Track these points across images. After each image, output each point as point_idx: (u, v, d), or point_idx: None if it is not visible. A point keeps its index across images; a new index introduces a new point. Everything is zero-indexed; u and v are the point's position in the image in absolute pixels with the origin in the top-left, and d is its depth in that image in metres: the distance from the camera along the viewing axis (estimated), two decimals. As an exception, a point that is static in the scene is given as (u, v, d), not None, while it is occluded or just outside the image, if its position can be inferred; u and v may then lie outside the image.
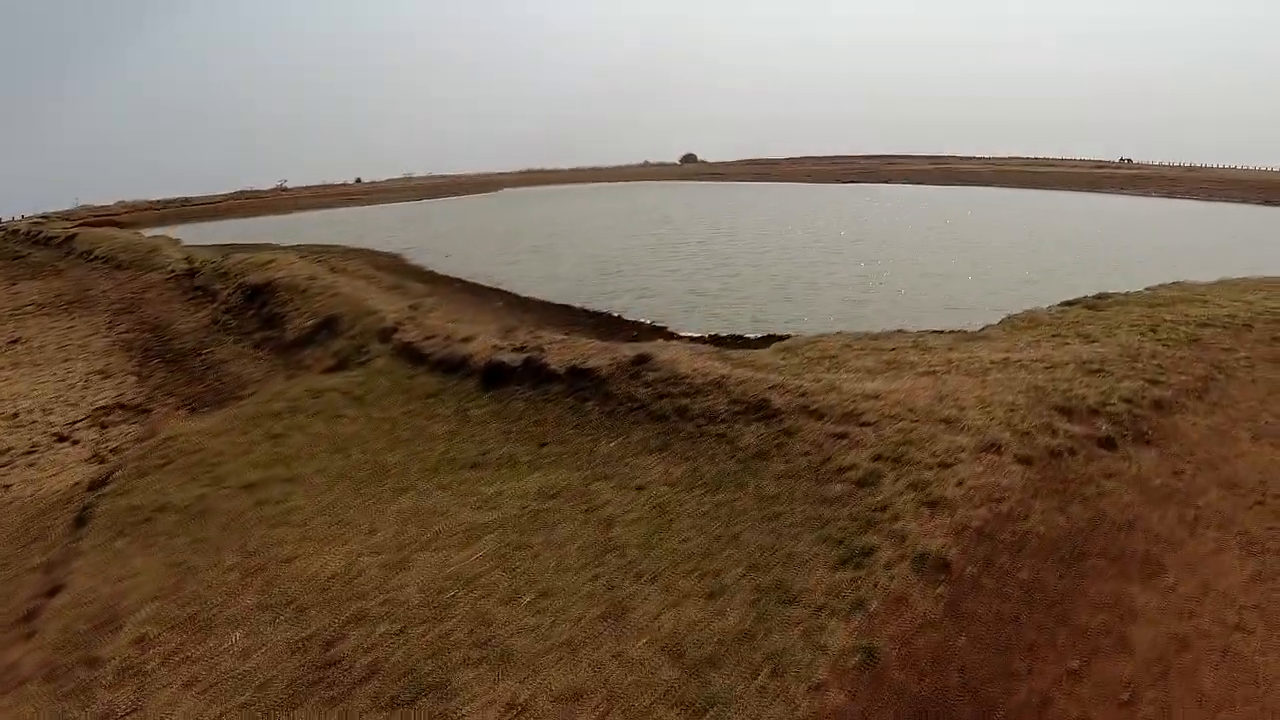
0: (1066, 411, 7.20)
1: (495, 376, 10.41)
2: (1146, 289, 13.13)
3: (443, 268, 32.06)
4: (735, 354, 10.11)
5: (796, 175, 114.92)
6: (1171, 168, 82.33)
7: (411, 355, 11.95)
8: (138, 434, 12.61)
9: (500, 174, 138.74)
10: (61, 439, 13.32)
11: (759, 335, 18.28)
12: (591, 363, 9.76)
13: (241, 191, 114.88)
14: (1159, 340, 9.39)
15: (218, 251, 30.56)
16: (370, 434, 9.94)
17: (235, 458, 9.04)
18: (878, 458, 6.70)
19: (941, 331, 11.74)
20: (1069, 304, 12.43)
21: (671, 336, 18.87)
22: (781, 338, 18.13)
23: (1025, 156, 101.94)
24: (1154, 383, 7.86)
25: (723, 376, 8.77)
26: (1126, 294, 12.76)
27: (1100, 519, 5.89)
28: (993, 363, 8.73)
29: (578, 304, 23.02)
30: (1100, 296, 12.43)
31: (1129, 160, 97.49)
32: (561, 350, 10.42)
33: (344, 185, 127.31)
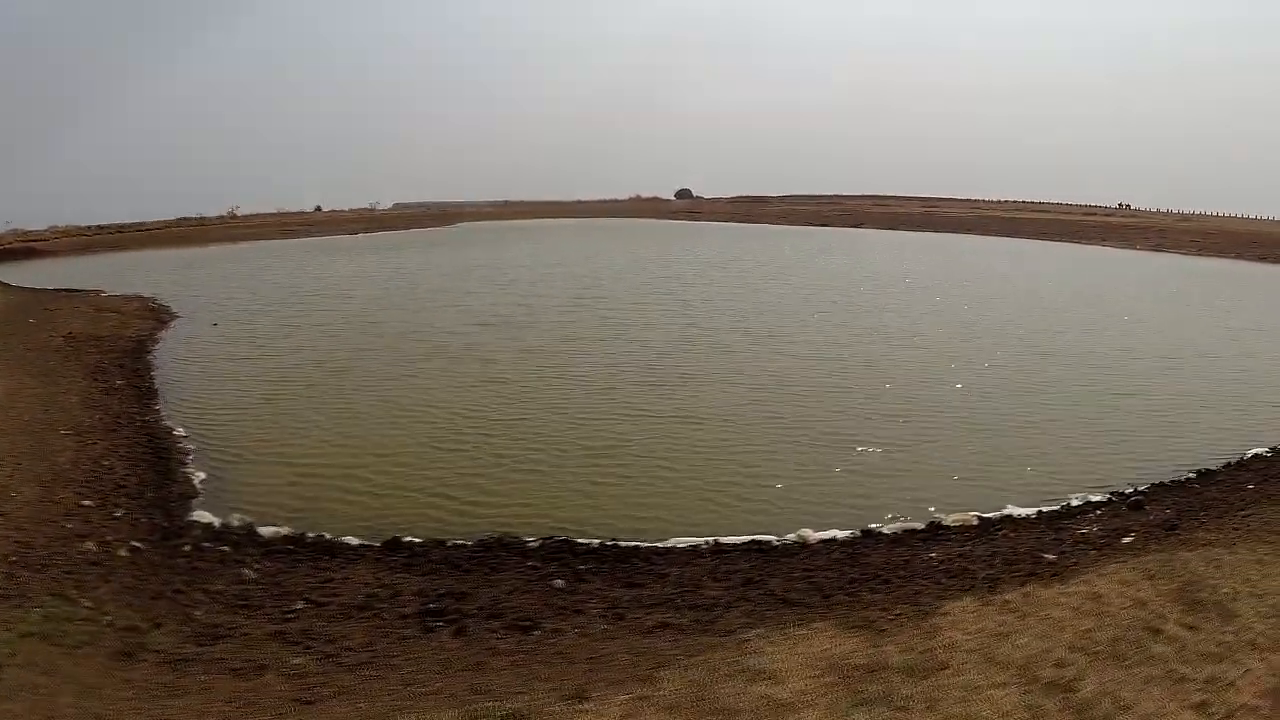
0: None
1: None
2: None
3: (185, 348, 23.83)
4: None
5: (775, 217, 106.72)
6: (1164, 215, 74.61)
7: None
8: None
9: (471, 204, 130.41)
10: None
11: (365, 543, 10.06)
12: None
13: (183, 218, 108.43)
14: None
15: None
16: None
17: None
18: None
19: None
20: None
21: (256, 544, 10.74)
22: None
23: (1012, 200, 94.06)
24: None
25: None
26: None
27: None
28: None
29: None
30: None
31: (1127, 206, 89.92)
32: None
33: (299, 214, 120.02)
